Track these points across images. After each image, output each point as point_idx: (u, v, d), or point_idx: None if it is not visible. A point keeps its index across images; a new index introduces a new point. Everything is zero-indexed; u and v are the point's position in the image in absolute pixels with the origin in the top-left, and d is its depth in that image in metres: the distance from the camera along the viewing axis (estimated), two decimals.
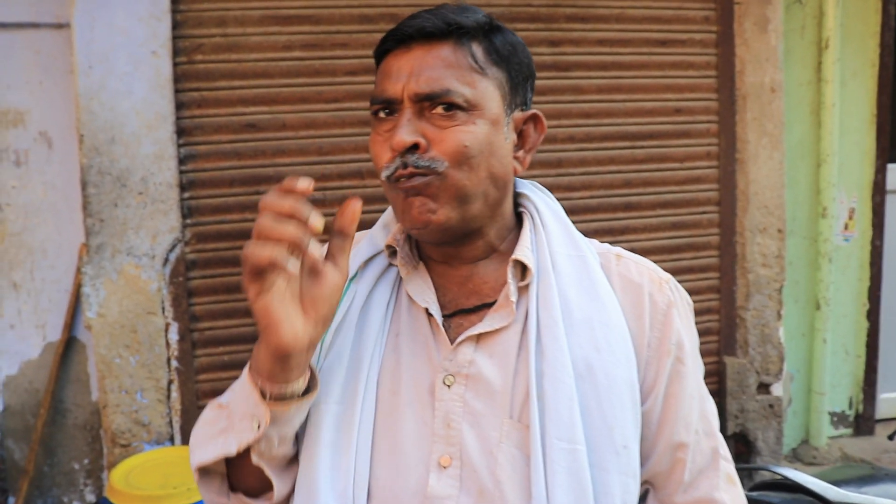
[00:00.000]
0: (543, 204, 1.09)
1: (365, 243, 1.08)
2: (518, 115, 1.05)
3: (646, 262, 1.08)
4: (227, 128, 2.83)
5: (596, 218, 3.18)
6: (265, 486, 1.00)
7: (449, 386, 0.97)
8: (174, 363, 2.75)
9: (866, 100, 3.74)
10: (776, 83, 3.34)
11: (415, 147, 0.95)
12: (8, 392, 2.89)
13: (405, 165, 0.95)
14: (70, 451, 2.94)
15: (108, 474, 2.64)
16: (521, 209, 1.09)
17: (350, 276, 1.03)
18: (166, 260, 2.75)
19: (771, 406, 3.44)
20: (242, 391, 0.92)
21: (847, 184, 3.74)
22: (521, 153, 1.06)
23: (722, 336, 3.41)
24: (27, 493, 2.82)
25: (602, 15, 3.13)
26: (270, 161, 2.86)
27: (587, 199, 3.17)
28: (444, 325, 1.01)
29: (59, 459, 2.94)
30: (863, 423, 3.89)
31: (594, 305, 1.00)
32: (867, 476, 2.30)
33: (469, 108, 0.97)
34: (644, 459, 1.03)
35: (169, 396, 2.77)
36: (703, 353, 3.41)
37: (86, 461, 2.96)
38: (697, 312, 3.45)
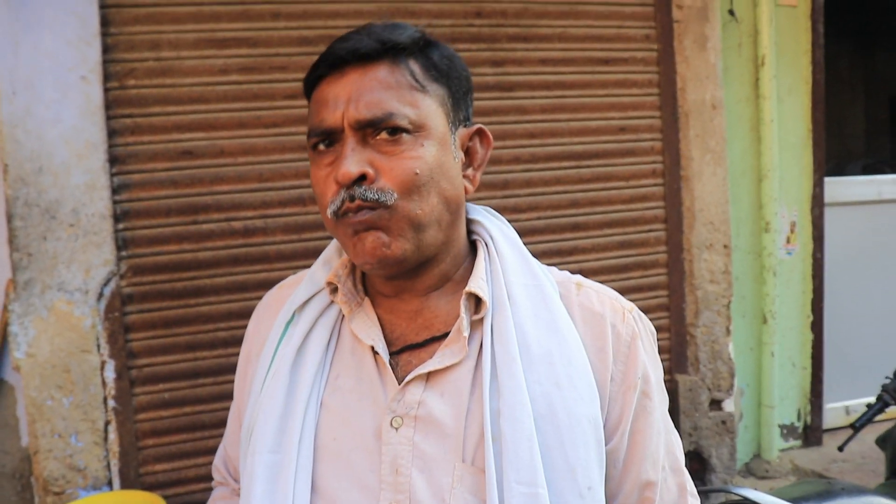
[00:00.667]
0: (498, 231, 1.04)
1: (304, 284, 1.02)
2: (463, 131, 1.00)
3: (607, 291, 1.04)
4: (163, 155, 2.72)
5: (544, 239, 3.16)
6: None
7: (396, 429, 0.91)
8: (111, 403, 2.61)
9: (802, 115, 3.82)
10: (717, 100, 3.38)
11: (361, 178, 0.89)
12: None
13: (352, 199, 0.90)
14: None
15: None
16: (475, 236, 1.04)
17: (286, 319, 0.97)
18: (101, 294, 2.62)
19: (724, 422, 3.45)
20: None
21: (787, 198, 3.80)
22: (469, 171, 1.01)
23: (673, 354, 3.41)
24: None
25: (544, 34, 3.12)
26: (209, 189, 2.76)
27: (534, 220, 3.15)
28: (390, 363, 0.96)
29: None
30: (811, 434, 3.93)
31: (554, 339, 0.95)
32: (824, 492, 2.29)
33: (414, 129, 0.92)
34: (610, 499, 0.97)
35: (106, 438, 2.62)
36: None
37: None
38: None
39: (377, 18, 1.56)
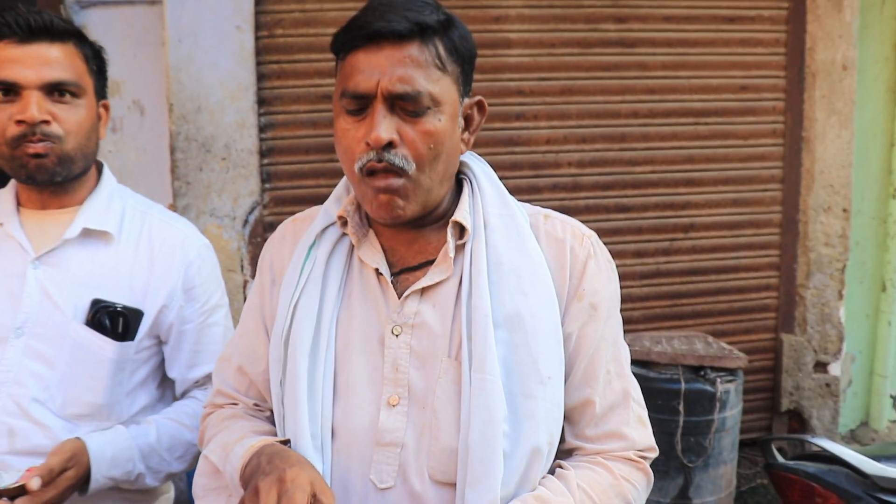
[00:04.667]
0: (481, 171, 1.21)
1: (320, 216, 1.22)
2: (466, 101, 1.16)
3: (571, 221, 1.20)
4: (305, 98, 3.01)
5: (657, 192, 3.24)
6: None
7: (397, 335, 1.12)
8: None
9: None
10: (848, 60, 3.31)
11: (389, 144, 1.06)
12: None
13: (380, 160, 1.06)
14: None
15: None
16: (462, 176, 1.21)
17: (309, 243, 1.18)
18: (246, 221, 2.96)
19: (828, 385, 3.46)
20: (232, 479, 1.10)
21: None
22: (465, 135, 1.17)
23: (780, 313, 3.44)
24: None
25: None
26: None
27: (649, 174, 3.23)
28: (392, 282, 1.15)
29: None
30: None
31: (522, 257, 1.13)
32: None
33: (434, 105, 1.08)
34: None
35: None
36: (760, 330, 3.46)
37: None
38: (755, 289, 3.48)
39: None
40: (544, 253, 1.15)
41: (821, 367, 3.46)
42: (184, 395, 1.60)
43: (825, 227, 3.38)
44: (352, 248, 1.20)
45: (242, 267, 2.96)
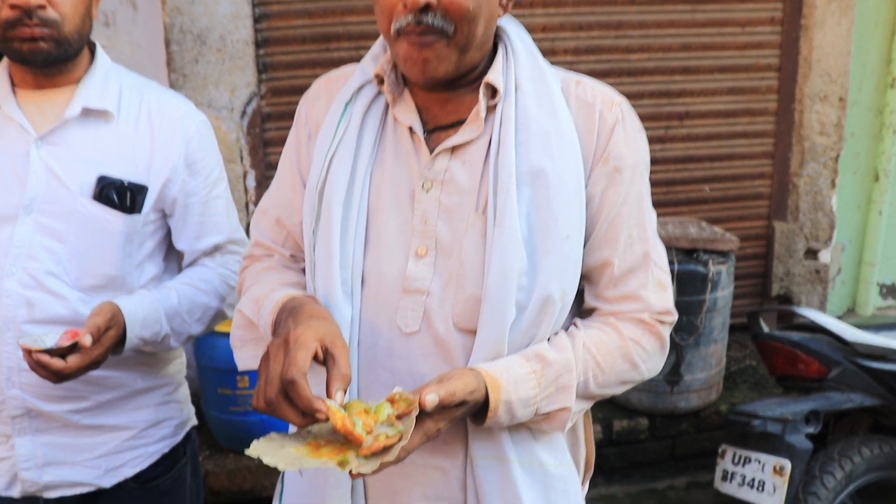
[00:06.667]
0: (516, 35, 1.24)
1: (357, 74, 1.25)
2: None
3: (602, 86, 1.23)
4: None
5: (653, 80, 3.25)
6: None
7: (427, 190, 1.16)
8: (251, 207, 3.02)
9: None
10: None
11: (426, 7, 1.08)
12: None
13: (418, 23, 1.08)
14: None
15: None
16: (497, 39, 1.23)
17: (346, 100, 1.22)
18: (244, 112, 2.98)
19: (817, 272, 3.54)
20: (266, 333, 1.17)
21: None
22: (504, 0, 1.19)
23: (772, 201, 3.49)
24: None
25: None
26: (340, 20, 3.01)
27: (645, 61, 3.23)
28: (424, 140, 1.19)
29: None
30: None
31: (550, 120, 1.16)
32: (892, 324, 2.43)
33: None
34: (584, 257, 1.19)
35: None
36: (753, 217, 3.52)
37: None
38: (749, 177, 3.52)
39: None
40: (573, 117, 1.17)
41: (811, 254, 3.53)
42: (191, 264, 1.66)
43: (820, 117, 3.40)
44: (387, 106, 1.23)
45: (242, 158, 2.99)
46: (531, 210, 1.13)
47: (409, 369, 1.14)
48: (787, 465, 2.16)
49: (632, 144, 1.19)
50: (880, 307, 3.95)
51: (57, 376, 1.33)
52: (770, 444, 2.22)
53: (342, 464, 0.94)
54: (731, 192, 3.48)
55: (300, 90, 2.98)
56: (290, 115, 3.01)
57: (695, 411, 2.98)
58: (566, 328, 1.19)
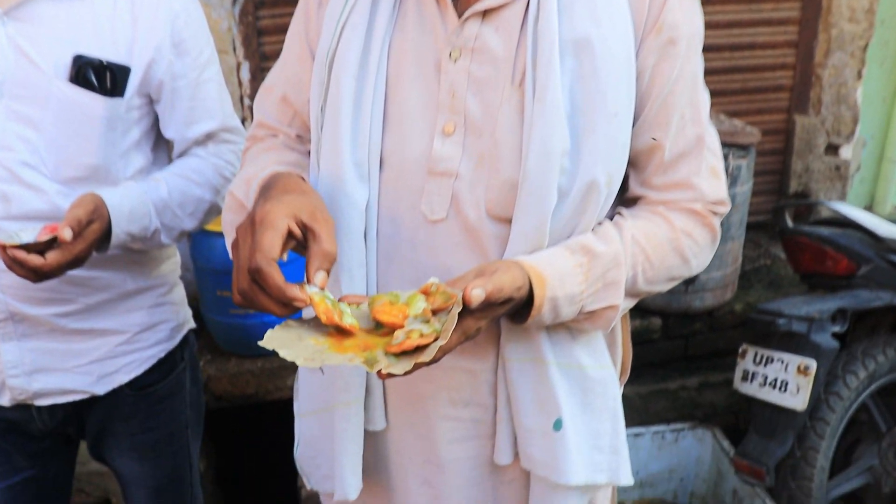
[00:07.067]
0: None
1: None
2: None
3: None
4: None
5: None
6: None
7: (455, 60, 1.02)
8: (246, 101, 2.85)
9: None
10: None
11: None
12: None
13: None
14: None
15: None
16: None
17: None
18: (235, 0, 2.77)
19: (837, 168, 3.41)
20: None
21: None
22: None
23: (794, 93, 3.32)
24: None
25: None
26: None
27: None
28: (452, 2, 1.03)
29: None
30: None
31: None
32: None
33: None
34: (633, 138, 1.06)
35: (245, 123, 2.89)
36: (773, 111, 3.35)
37: None
38: (770, 68, 3.34)
39: None
40: None
41: (832, 149, 3.39)
42: (182, 155, 1.53)
43: (850, 2, 3.19)
44: None
45: (235, 48, 2.80)
46: (575, 83, 0.99)
47: (434, 262, 1.03)
48: (813, 364, 2.09)
49: (688, 13, 1.03)
50: None
51: (36, 274, 1.22)
52: (794, 343, 2.14)
53: (369, 362, 0.82)
54: (750, 84, 3.30)
55: None
56: (284, 2, 2.84)
57: (709, 311, 2.91)
58: (610, 217, 1.07)
